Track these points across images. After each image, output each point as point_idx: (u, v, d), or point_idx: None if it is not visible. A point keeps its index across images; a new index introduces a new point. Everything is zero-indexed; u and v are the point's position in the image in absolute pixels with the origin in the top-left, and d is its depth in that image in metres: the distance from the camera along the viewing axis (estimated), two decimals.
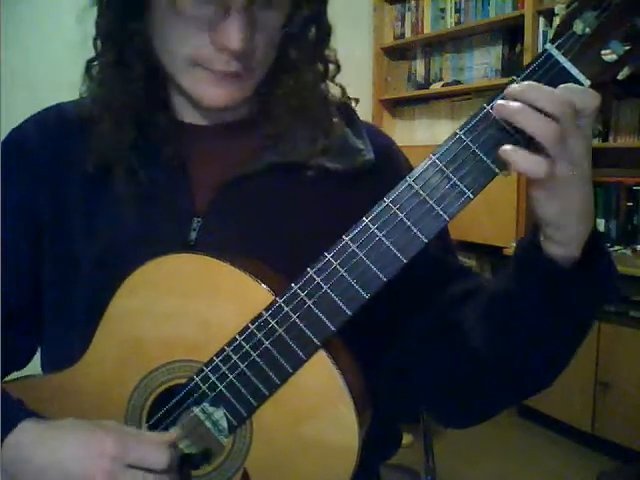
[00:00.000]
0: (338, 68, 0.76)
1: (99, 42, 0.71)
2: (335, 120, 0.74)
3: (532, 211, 0.57)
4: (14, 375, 0.75)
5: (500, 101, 0.54)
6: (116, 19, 0.67)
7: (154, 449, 0.59)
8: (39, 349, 0.80)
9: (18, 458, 0.60)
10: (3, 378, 0.73)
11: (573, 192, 0.54)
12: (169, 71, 0.68)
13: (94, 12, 0.70)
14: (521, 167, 0.52)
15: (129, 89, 0.69)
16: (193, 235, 0.70)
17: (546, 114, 0.52)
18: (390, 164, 0.76)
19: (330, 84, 0.76)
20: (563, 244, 0.57)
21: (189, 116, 0.75)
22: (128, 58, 0.69)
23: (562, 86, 0.53)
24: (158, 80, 0.72)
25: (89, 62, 0.73)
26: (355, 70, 3.62)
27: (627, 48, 0.54)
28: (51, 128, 0.75)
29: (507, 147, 0.53)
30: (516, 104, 0.52)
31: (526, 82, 0.53)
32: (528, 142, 0.54)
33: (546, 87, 0.53)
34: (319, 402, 0.61)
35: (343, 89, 0.77)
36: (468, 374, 0.67)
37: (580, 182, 0.54)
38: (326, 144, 0.71)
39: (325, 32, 0.73)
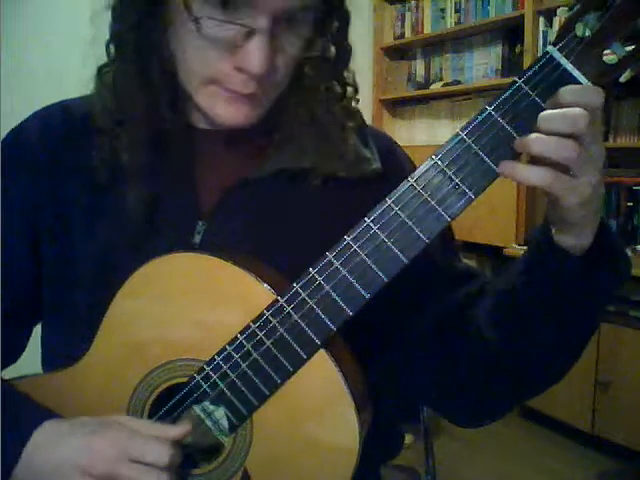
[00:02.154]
0: (356, 91, 0.76)
1: (113, 48, 0.70)
2: (351, 143, 0.73)
3: (547, 211, 0.58)
4: (13, 374, 0.75)
5: (518, 139, 0.54)
6: (140, 29, 0.66)
7: (156, 445, 0.59)
8: (40, 348, 0.80)
9: (29, 462, 0.61)
10: None
11: (596, 194, 0.55)
12: (185, 87, 0.68)
13: (106, 15, 0.69)
14: (527, 181, 0.53)
15: (148, 102, 0.68)
16: (197, 238, 0.70)
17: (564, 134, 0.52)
18: (394, 166, 0.76)
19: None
20: (577, 235, 0.57)
21: (198, 120, 0.74)
22: (151, 71, 0.67)
23: (564, 89, 0.53)
24: (172, 86, 0.71)
25: (101, 68, 0.71)
26: (355, 70, 3.60)
27: (629, 50, 0.54)
28: (53, 126, 0.75)
29: (505, 163, 0.54)
30: (531, 136, 0.53)
31: (540, 114, 0.53)
32: None
33: (557, 111, 0.53)
34: (320, 401, 0.61)
35: (361, 115, 0.77)
36: (475, 372, 0.68)
37: (601, 182, 0.55)
38: (337, 164, 0.71)
39: (345, 53, 0.73)
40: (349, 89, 0.76)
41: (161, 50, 0.67)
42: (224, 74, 0.64)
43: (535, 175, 0.53)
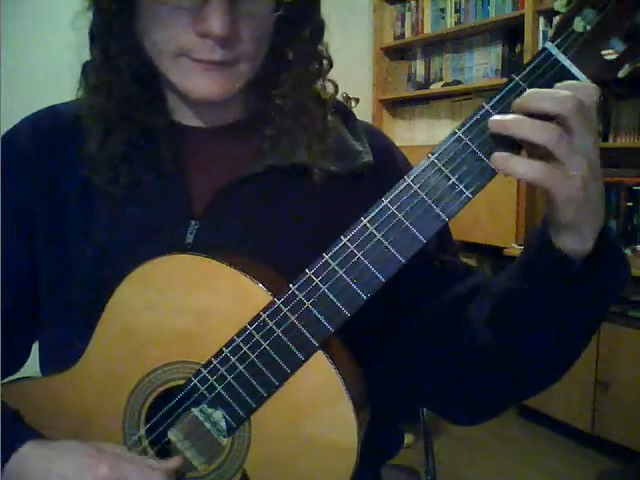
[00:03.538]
0: (330, 64, 0.75)
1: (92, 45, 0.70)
2: (330, 119, 0.73)
3: (546, 212, 0.57)
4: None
5: (495, 117, 0.53)
6: (103, 20, 0.67)
7: (151, 475, 0.59)
8: (38, 351, 0.79)
9: (17, 476, 0.61)
10: None
11: (590, 191, 0.53)
12: (158, 67, 0.68)
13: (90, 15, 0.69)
14: (519, 174, 0.52)
15: (120, 94, 0.69)
16: (190, 238, 0.69)
17: (551, 115, 0.51)
18: (389, 164, 0.76)
19: (324, 81, 0.75)
20: (577, 238, 0.56)
21: (187, 118, 0.74)
22: (117, 60, 0.68)
23: (559, 84, 0.53)
24: (154, 83, 0.71)
25: (85, 65, 0.72)
26: (355, 70, 3.62)
27: (627, 46, 0.53)
28: (45, 129, 0.75)
29: (498, 155, 0.53)
30: (510, 117, 0.52)
31: (528, 90, 0.52)
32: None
33: (546, 90, 0.52)
34: (318, 402, 0.61)
35: (336, 86, 0.77)
36: (472, 371, 0.67)
37: (595, 178, 0.54)
38: (321, 147, 0.71)
39: (318, 28, 0.73)
40: (325, 62, 0.75)
41: (132, 35, 0.67)
42: (190, 43, 0.64)
43: (526, 167, 0.52)
